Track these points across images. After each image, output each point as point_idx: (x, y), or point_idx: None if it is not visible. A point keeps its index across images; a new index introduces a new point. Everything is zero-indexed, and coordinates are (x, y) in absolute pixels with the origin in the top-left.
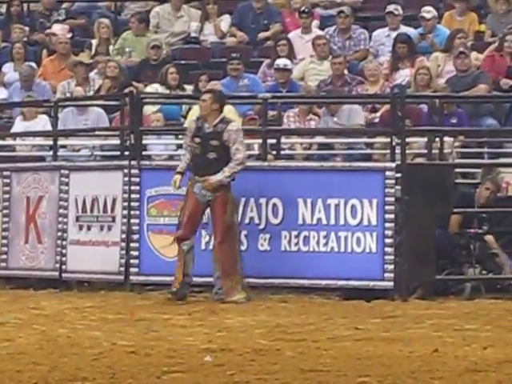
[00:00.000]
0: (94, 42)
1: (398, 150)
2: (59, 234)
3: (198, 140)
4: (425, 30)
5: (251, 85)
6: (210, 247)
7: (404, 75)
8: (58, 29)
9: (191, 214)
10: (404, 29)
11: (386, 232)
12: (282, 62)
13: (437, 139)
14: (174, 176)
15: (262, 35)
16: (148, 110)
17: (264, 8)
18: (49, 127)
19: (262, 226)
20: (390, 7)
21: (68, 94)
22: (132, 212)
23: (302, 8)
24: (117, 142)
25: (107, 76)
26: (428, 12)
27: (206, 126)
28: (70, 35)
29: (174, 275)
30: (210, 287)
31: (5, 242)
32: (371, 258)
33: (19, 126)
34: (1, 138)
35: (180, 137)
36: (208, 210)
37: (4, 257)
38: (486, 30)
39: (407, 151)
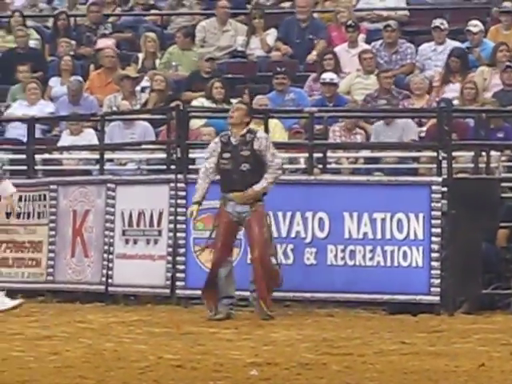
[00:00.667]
0: (141, 55)
1: (444, 164)
2: (105, 247)
3: (227, 155)
4: (471, 43)
5: (297, 99)
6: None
7: (454, 89)
8: (105, 43)
9: (227, 235)
10: (450, 43)
11: (433, 246)
12: (328, 75)
13: (483, 153)
14: (191, 206)
15: (309, 58)
16: (195, 123)
17: (309, 22)
18: (95, 141)
19: (308, 240)
20: (436, 21)
21: (114, 108)
22: (178, 226)
23: (349, 22)
24: (163, 155)
25: (154, 89)
26: (475, 26)
27: (233, 139)
28: (116, 49)
29: (205, 298)
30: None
31: (52, 255)
32: (417, 272)
33: (66, 139)
34: (48, 152)
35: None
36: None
37: (51, 270)
38: None
39: (454, 165)
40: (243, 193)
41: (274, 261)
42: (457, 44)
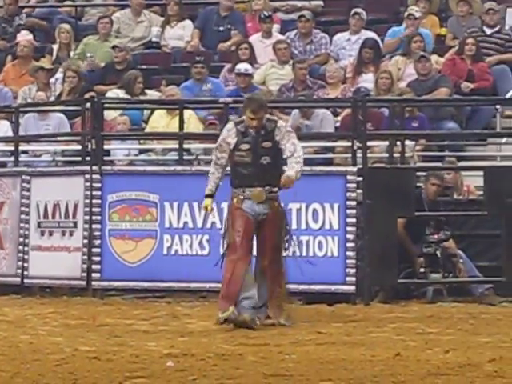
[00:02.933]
0: (55, 47)
1: (359, 154)
2: (21, 239)
3: (246, 146)
4: (408, 28)
5: (214, 89)
6: (173, 251)
7: (368, 79)
8: (24, 37)
9: (245, 234)
10: (365, 33)
11: (348, 236)
12: (242, 66)
13: (398, 143)
14: (204, 201)
15: (222, 46)
16: (109, 115)
17: (229, 13)
18: (10, 133)
19: (223, 231)
20: (356, 10)
21: (29, 100)
22: (94, 217)
23: (264, 13)
24: (78, 147)
25: (66, 81)
26: (416, 11)
27: (251, 129)
28: (31, 38)
29: (224, 297)
30: (172, 292)
31: None
32: (333, 262)
33: None
34: None
35: (142, 142)
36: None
37: None
38: (447, 33)
39: (369, 155)
40: (284, 178)
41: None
42: (371, 34)
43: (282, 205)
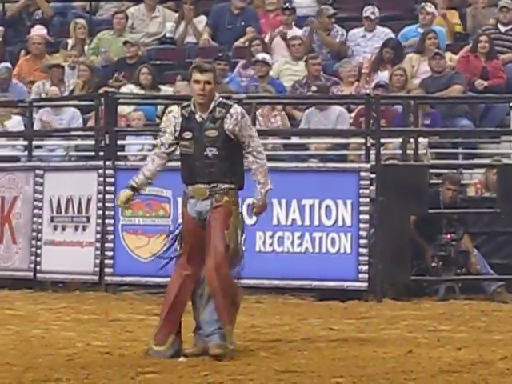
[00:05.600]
0: (70, 41)
1: (372, 151)
2: (34, 234)
3: (188, 135)
4: (422, 23)
5: (232, 84)
6: None
7: (382, 76)
8: (38, 31)
9: (192, 245)
10: (380, 29)
11: (361, 233)
12: (261, 55)
13: (411, 140)
14: (122, 191)
15: (236, 44)
16: (123, 110)
17: (242, 9)
18: (22, 128)
19: None
20: (367, 11)
21: (43, 95)
22: (107, 212)
23: (286, 5)
24: (92, 142)
25: (79, 76)
26: (430, 6)
27: (198, 114)
28: (45, 33)
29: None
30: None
31: None
32: (346, 258)
33: None
34: None
35: (155, 137)
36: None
37: None
38: (462, 30)
39: (382, 152)
40: (255, 209)
41: (234, 273)
42: (386, 31)
43: (239, 201)
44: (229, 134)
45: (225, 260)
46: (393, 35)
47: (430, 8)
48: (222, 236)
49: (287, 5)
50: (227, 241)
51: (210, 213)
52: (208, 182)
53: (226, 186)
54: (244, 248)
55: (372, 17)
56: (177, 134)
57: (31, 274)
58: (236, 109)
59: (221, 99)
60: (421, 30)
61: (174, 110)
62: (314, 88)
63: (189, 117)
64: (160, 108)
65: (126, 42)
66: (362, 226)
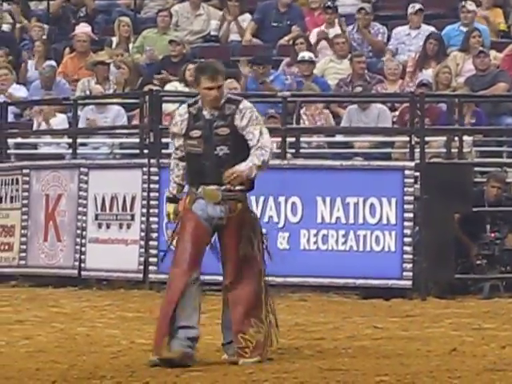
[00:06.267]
0: (114, 40)
1: (417, 149)
2: (78, 232)
3: (197, 133)
4: (464, 21)
5: (275, 82)
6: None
7: (427, 74)
8: (82, 29)
9: (193, 244)
10: (425, 28)
11: (405, 231)
12: (306, 54)
13: (456, 138)
14: (167, 206)
15: (281, 42)
16: (168, 108)
17: (288, 8)
18: (66, 126)
19: (281, 225)
20: (413, 7)
21: (87, 92)
22: (151, 210)
23: (327, 3)
24: (136, 140)
25: (122, 74)
26: (470, 4)
27: (207, 111)
28: (89, 31)
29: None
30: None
31: (24, 239)
32: (390, 256)
33: (37, 124)
34: (22, 136)
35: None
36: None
37: (23, 255)
38: (507, 28)
39: (426, 150)
40: (227, 173)
41: (260, 288)
42: (431, 29)
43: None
44: (239, 131)
45: (240, 275)
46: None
47: (470, 6)
48: (236, 249)
49: (329, 3)
50: (241, 253)
51: (224, 223)
52: (219, 183)
53: (237, 188)
54: (266, 247)
55: (417, 12)
56: (183, 131)
57: (76, 271)
58: (245, 104)
59: (229, 95)
60: (463, 29)
61: (180, 108)
62: (359, 89)
63: (197, 114)
64: None
65: (171, 41)
66: (406, 224)
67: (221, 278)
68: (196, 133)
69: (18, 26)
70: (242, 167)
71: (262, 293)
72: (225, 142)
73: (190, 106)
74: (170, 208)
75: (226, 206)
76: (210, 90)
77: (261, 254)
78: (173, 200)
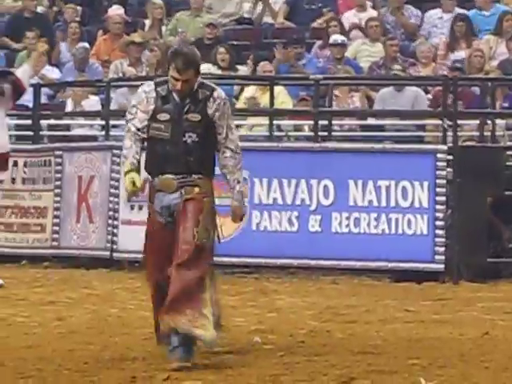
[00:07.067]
0: (147, 22)
1: (449, 133)
2: (110, 213)
3: (165, 117)
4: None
5: (308, 66)
6: (262, 228)
7: (459, 57)
8: (115, 11)
9: (160, 248)
10: (458, 11)
11: (437, 214)
12: (338, 37)
13: (489, 122)
14: (125, 178)
15: (314, 25)
16: None
17: None
18: (99, 108)
19: (313, 208)
20: None
21: (120, 74)
22: None
23: None
24: None
25: (154, 56)
26: None
27: (176, 93)
28: (122, 13)
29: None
30: (260, 268)
31: (57, 221)
32: (422, 240)
33: (71, 106)
34: (54, 118)
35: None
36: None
37: (56, 236)
38: None
39: (459, 133)
40: (232, 215)
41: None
42: (462, 12)
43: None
44: (210, 120)
45: (190, 259)
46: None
47: None
48: (192, 232)
49: None
50: (197, 239)
51: (179, 207)
52: (180, 172)
53: (197, 176)
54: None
55: None
56: (150, 113)
57: (108, 253)
58: (220, 93)
59: (202, 80)
60: (486, 13)
61: (145, 86)
62: (397, 66)
63: (166, 96)
64: (236, 88)
65: (209, 24)
66: (438, 207)
67: (249, 260)
68: (164, 116)
69: (54, 8)
70: (241, 202)
71: (204, 288)
72: (195, 128)
73: (157, 85)
74: (132, 176)
75: (182, 190)
76: (176, 80)
77: (211, 248)
78: (133, 170)
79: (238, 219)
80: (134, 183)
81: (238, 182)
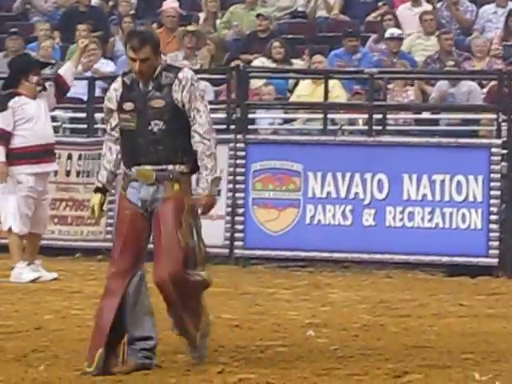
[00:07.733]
0: (202, 15)
1: (504, 127)
2: None
3: (130, 106)
4: None
5: (364, 59)
6: (315, 221)
7: None
8: (169, 5)
9: (128, 238)
10: None
11: (491, 209)
12: (394, 30)
13: None
14: (92, 197)
15: (369, 18)
16: (254, 83)
17: None
18: None
19: (367, 202)
20: None
21: None
22: (237, 186)
23: None
24: (223, 115)
25: (209, 50)
26: None
27: (142, 82)
28: (177, 6)
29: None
30: (314, 261)
31: (111, 213)
32: (476, 234)
33: None
34: None
35: (286, 111)
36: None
37: (110, 229)
38: None
39: None
40: (200, 203)
41: (196, 277)
42: None
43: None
44: (178, 104)
45: (181, 267)
46: None
47: None
48: (176, 237)
49: None
50: (182, 242)
51: (158, 206)
52: (155, 162)
53: (176, 168)
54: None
55: None
56: (116, 105)
57: None
58: (185, 73)
59: (167, 63)
60: None
61: (114, 82)
62: (451, 63)
63: (131, 84)
64: (291, 82)
65: (258, 15)
66: (492, 201)
67: (303, 254)
68: (129, 106)
69: (109, 2)
70: (208, 190)
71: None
72: (160, 116)
73: (123, 75)
74: (95, 199)
75: (161, 186)
76: (134, 61)
77: (199, 244)
78: (100, 190)
79: (205, 210)
80: (93, 208)
81: (206, 169)
